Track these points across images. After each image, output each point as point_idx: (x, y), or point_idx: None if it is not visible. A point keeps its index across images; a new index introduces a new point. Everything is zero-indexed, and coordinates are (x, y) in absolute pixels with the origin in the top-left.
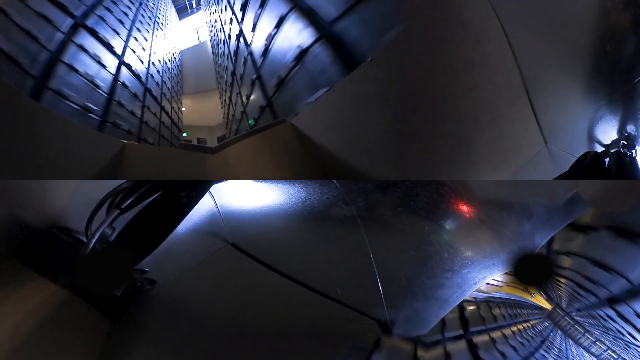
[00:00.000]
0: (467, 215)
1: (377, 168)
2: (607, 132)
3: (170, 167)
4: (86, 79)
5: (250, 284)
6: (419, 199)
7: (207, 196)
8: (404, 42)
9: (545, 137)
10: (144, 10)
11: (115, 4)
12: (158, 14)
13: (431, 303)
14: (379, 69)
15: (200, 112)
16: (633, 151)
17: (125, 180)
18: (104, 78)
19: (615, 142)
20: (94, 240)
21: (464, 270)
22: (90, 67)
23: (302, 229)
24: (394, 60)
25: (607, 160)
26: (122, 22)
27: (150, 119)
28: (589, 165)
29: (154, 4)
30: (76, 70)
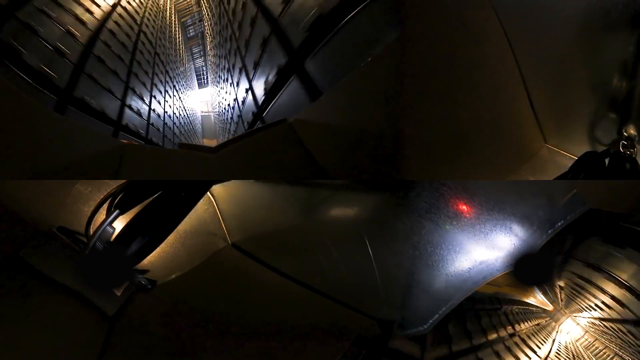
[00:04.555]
0: (468, 215)
1: (378, 168)
2: (607, 132)
3: (170, 167)
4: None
5: (250, 284)
6: (420, 198)
7: (207, 196)
8: (404, 42)
9: (546, 136)
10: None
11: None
12: (189, 80)
13: (432, 302)
14: (379, 69)
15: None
16: (633, 151)
17: (125, 180)
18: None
19: (615, 142)
20: (94, 240)
21: (465, 270)
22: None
23: (303, 229)
24: (394, 60)
25: (607, 160)
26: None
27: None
28: (589, 165)
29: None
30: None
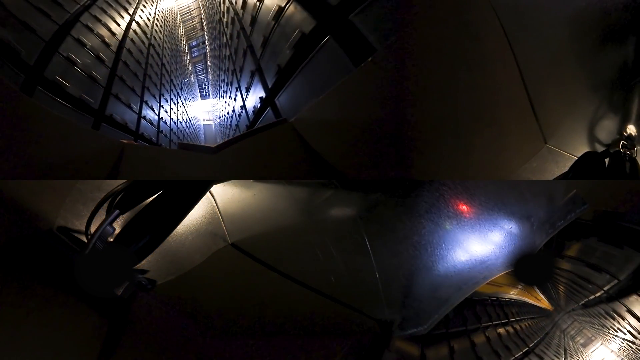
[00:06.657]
0: (468, 215)
1: (378, 168)
2: (607, 132)
3: (170, 167)
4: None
5: (250, 284)
6: (420, 198)
7: (207, 196)
8: (404, 42)
9: (546, 136)
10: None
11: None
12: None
13: (432, 303)
14: (379, 68)
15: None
16: (633, 151)
17: (125, 180)
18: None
19: (615, 142)
20: (94, 240)
21: (465, 270)
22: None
23: (302, 229)
24: (394, 60)
25: (607, 160)
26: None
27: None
28: (589, 165)
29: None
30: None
